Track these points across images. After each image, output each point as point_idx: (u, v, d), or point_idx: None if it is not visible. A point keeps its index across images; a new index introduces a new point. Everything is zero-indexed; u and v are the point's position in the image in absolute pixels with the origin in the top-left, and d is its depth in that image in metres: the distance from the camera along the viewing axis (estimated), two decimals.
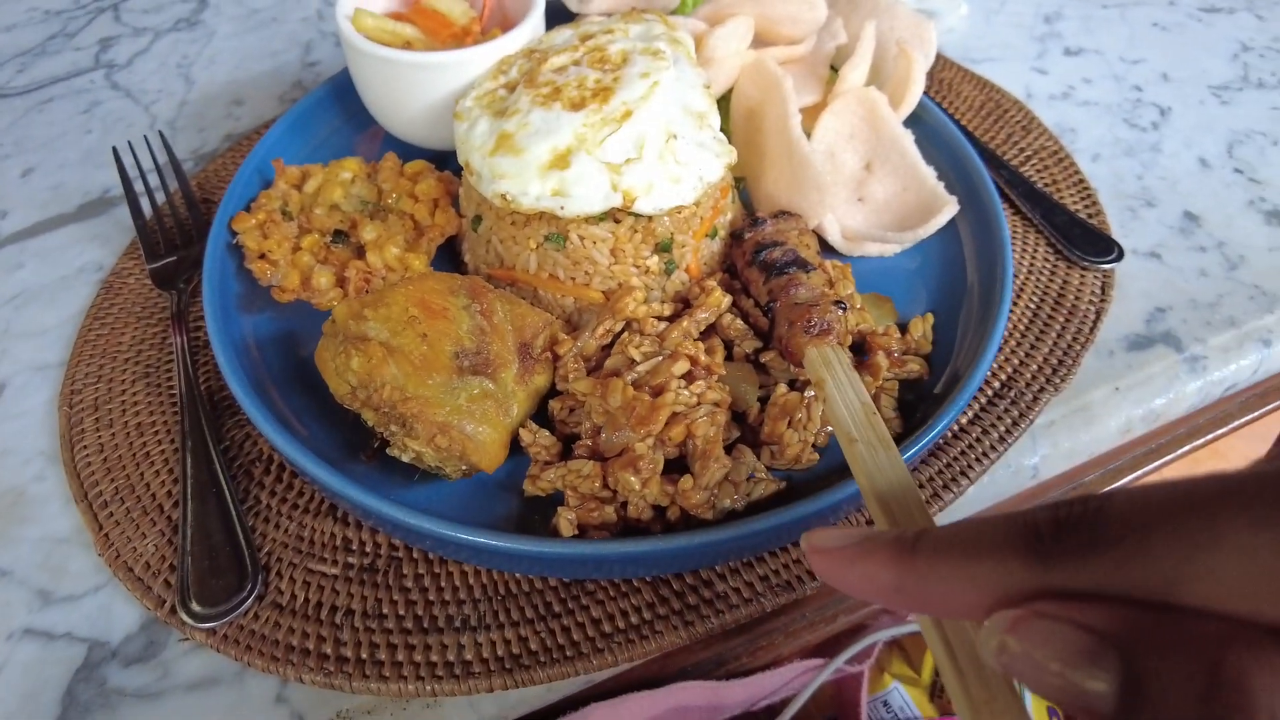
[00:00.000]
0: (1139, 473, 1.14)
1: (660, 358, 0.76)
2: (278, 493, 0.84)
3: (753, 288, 0.85)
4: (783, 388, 0.77)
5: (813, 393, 0.79)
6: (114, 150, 1.07)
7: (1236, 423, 1.14)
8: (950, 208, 0.89)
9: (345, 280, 0.90)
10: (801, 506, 0.70)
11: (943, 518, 0.84)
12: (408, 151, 1.07)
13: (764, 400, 0.80)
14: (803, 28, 1.00)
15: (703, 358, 0.75)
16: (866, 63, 0.95)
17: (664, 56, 0.87)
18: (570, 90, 0.85)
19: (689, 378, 0.74)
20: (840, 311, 0.76)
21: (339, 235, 0.94)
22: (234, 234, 0.96)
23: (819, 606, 0.97)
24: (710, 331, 0.84)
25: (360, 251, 0.93)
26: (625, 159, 0.82)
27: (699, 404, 0.73)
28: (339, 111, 1.15)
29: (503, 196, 0.82)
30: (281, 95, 1.33)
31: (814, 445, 0.78)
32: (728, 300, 0.84)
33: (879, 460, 0.62)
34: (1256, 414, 1.14)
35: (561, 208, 0.81)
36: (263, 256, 0.94)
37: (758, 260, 0.84)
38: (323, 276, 0.90)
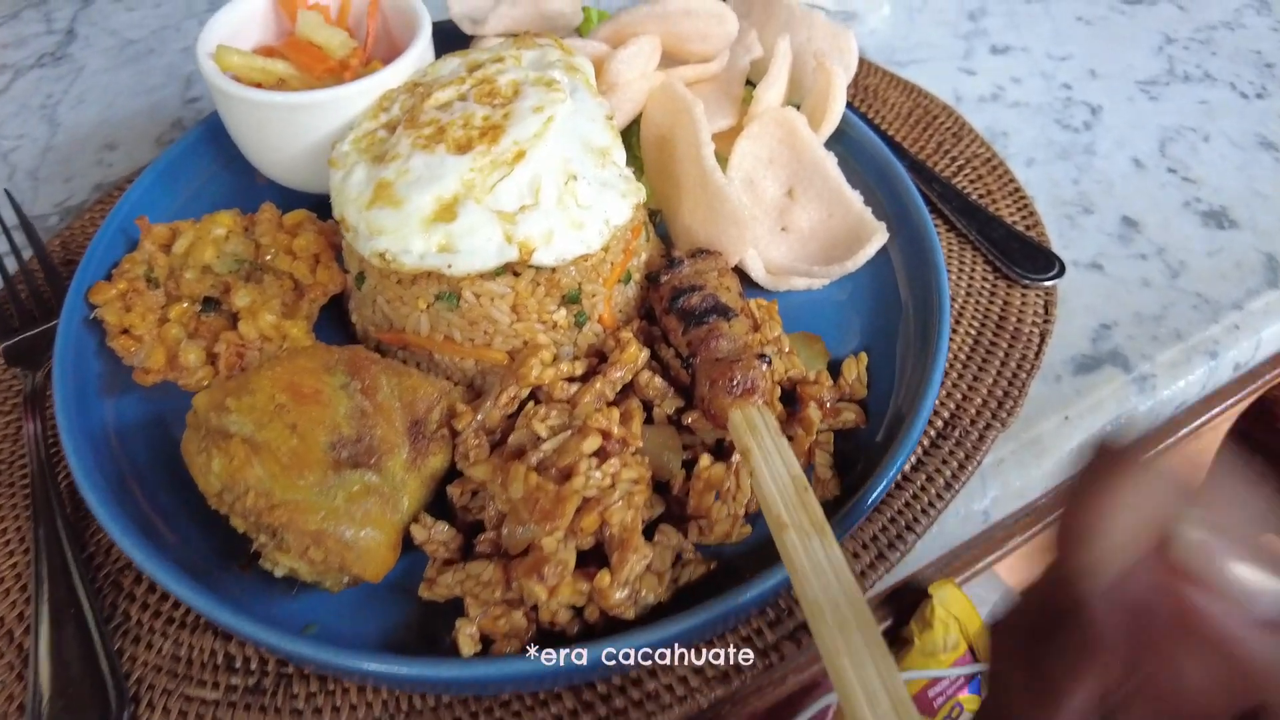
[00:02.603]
0: None
1: (569, 432, 0.67)
2: (150, 605, 0.74)
3: (672, 337, 0.77)
4: (706, 459, 0.70)
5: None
6: None
7: (1183, 431, 1.10)
8: (879, 236, 0.83)
9: (217, 356, 0.80)
10: (733, 596, 0.62)
11: (890, 577, 0.78)
12: (292, 198, 0.97)
13: (690, 463, 0.73)
14: (713, 44, 0.93)
15: (616, 430, 0.67)
16: (782, 81, 0.88)
17: (559, 87, 0.79)
18: (455, 130, 0.76)
19: (602, 454, 0.66)
20: (765, 366, 0.69)
21: (210, 303, 0.84)
22: (93, 306, 0.85)
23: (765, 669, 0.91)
24: (628, 391, 0.76)
25: (235, 320, 0.83)
26: (520, 206, 0.73)
27: (613, 485, 0.65)
28: (216, 155, 1.03)
29: (382, 255, 0.73)
30: (159, 137, 1.21)
31: (745, 515, 0.71)
32: (644, 355, 0.76)
33: (814, 553, 0.55)
34: (1200, 421, 1.11)
35: (449, 265, 0.72)
36: (126, 331, 0.83)
37: (675, 308, 0.77)
38: (191, 353, 0.80)
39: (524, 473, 0.63)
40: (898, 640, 1.00)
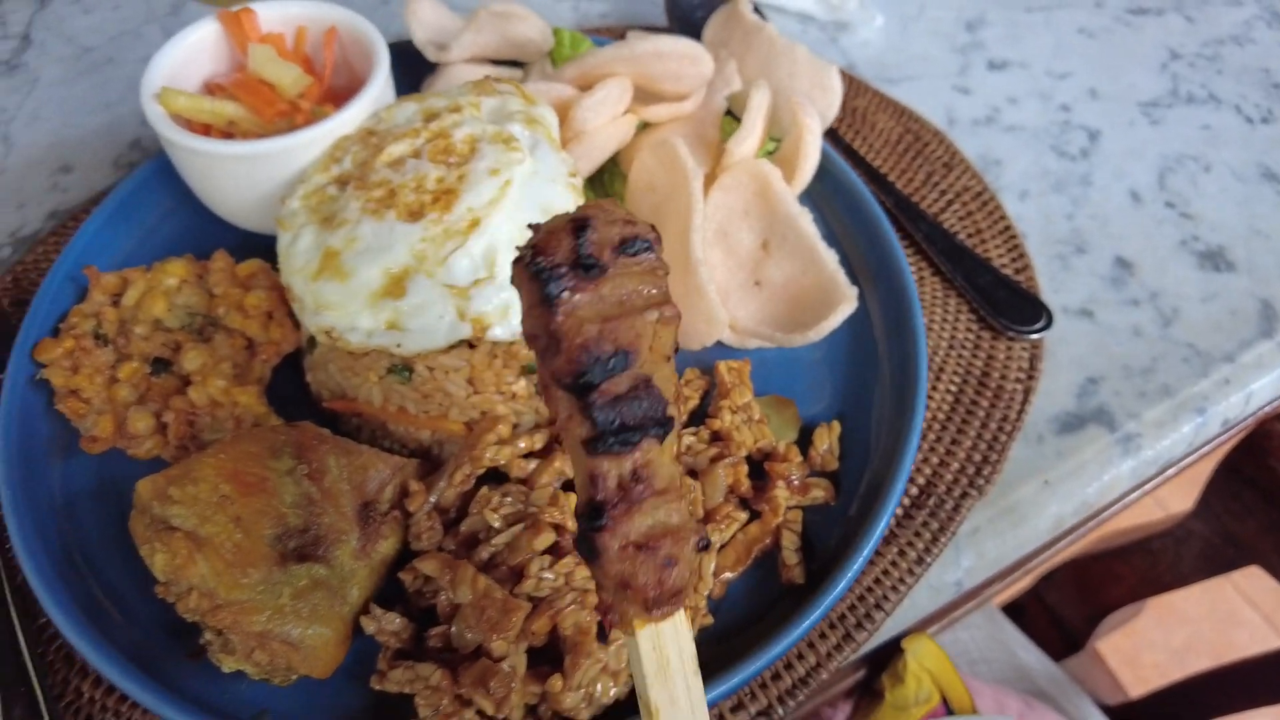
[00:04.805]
0: (1056, 548, 1.08)
1: (522, 526, 0.65)
2: (104, 682, 0.72)
3: (564, 436, 0.47)
4: None
5: (703, 541, 0.69)
6: None
7: (1152, 484, 1.07)
8: (847, 305, 0.79)
9: (167, 424, 0.77)
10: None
11: (855, 657, 0.76)
12: (251, 236, 0.93)
13: None
14: (687, 84, 0.88)
15: (570, 524, 0.64)
16: (756, 135, 0.83)
17: (517, 145, 0.74)
18: (407, 193, 0.72)
19: (556, 550, 0.64)
20: (702, 549, 0.49)
21: (160, 363, 0.81)
22: (40, 364, 0.82)
23: None
24: None
25: (186, 382, 0.80)
26: (474, 279, 0.70)
27: (567, 584, 0.63)
28: (172, 189, 0.99)
29: (328, 333, 0.70)
30: (116, 159, 1.16)
31: (709, 599, 0.69)
32: None
33: None
34: (1173, 471, 1.08)
35: (399, 345, 0.69)
36: (74, 392, 0.80)
37: (575, 387, 0.44)
38: (140, 420, 0.77)
39: (471, 576, 0.61)
40: (869, 693, 1.00)
